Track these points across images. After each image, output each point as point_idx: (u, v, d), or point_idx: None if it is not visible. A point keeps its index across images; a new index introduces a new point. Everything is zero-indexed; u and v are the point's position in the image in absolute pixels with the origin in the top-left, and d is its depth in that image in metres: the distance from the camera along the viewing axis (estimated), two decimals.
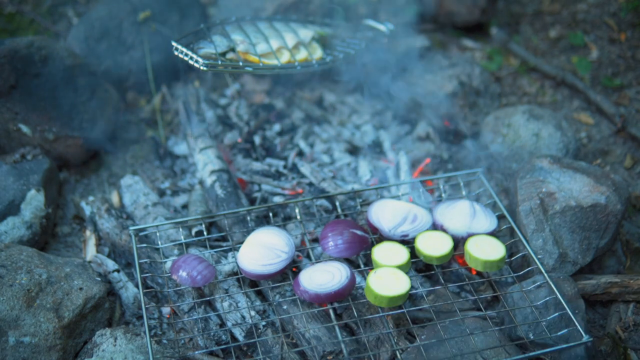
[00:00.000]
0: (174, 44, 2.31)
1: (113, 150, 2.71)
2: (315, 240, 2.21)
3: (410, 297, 2.05)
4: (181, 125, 2.74)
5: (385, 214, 2.14)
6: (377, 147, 2.73)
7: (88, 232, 2.33)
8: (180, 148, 2.70)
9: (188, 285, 1.94)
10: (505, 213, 2.17)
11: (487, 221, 2.14)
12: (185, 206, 2.45)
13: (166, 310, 2.06)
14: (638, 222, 2.46)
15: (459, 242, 2.13)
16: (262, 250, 2.01)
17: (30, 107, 2.45)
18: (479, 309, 2.03)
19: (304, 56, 2.45)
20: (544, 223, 2.13)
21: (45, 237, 2.32)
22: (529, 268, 2.05)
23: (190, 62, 2.27)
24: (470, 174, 2.37)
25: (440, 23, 3.47)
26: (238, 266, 2.03)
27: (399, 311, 1.93)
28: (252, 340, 1.89)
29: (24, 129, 2.46)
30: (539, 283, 1.99)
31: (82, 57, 2.68)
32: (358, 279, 2.04)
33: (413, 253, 2.05)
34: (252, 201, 2.41)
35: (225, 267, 2.09)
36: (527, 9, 3.51)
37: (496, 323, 2.04)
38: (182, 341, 1.98)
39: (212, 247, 2.17)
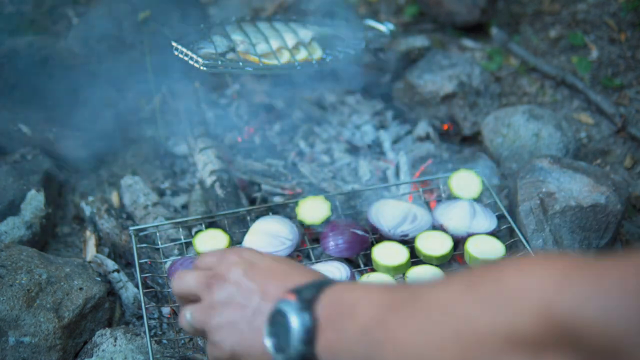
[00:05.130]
0: (173, 44, 2.31)
1: (113, 150, 2.71)
2: (316, 241, 2.21)
3: None
4: (181, 125, 2.74)
5: (385, 214, 2.15)
6: (377, 147, 2.73)
7: (88, 232, 2.33)
8: (180, 148, 2.70)
9: None
10: (505, 213, 2.17)
11: (487, 221, 2.14)
12: (185, 206, 2.45)
13: (166, 310, 2.06)
14: (638, 222, 2.46)
15: (459, 242, 2.13)
16: (267, 238, 2.03)
17: (30, 107, 2.45)
18: None
19: (304, 56, 2.45)
20: (544, 223, 2.13)
21: (45, 237, 2.32)
22: None
23: (190, 62, 2.27)
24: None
25: (440, 23, 3.47)
26: None
27: None
28: None
29: (24, 129, 2.46)
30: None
31: (82, 57, 2.67)
32: (358, 278, 2.04)
33: (413, 253, 2.05)
34: (252, 201, 2.41)
35: None
36: (527, 9, 3.50)
37: None
38: (182, 341, 1.98)
39: None
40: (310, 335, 1.10)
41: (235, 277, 1.26)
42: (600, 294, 0.82)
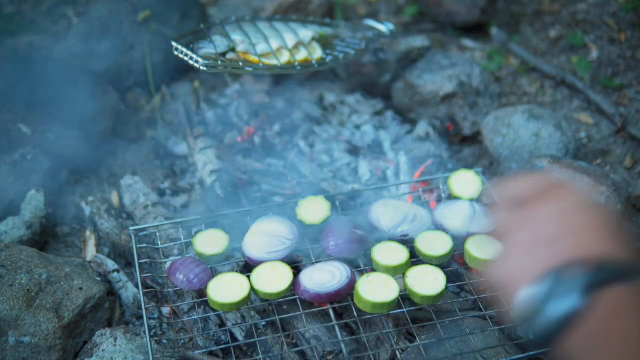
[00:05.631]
0: (173, 44, 2.31)
1: (113, 150, 2.71)
2: (316, 241, 2.21)
3: (410, 297, 2.05)
4: (181, 125, 2.74)
5: (385, 214, 2.14)
6: (377, 147, 2.73)
7: (88, 232, 2.33)
8: (180, 148, 2.70)
9: (185, 288, 1.94)
10: None
11: (487, 221, 2.14)
12: (185, 206, 2.45)
13: (166, 310, 2.06)
14: (638, 222, 2.46)
15: (459, 242, 2.12)
16: (267, 238, 2.03)
17: (30, 107, 2.45)
18: (479, 309, 2.04)
19: (304, 56, 2.45)
20: None
21: (45, 237, 2.32)
22: None
23: (190, 62, 2.27)
24: None
25: (440, 23, 3.47)
26: (243, 255, 2.04)
27: (399, 311, 1.93)
28: (252, 340, 1.89)
29: (24, 129, 2.46)
30: None
31: (82, 57, 2.67)
32: (357, 278, 2.04)
33: (413, 253, 2.05)
34: (252, 201, 2.41)
35: (225, 267, 2.09)
36: (527, 9, 3.50)
37: (496, 323, 2.04)
38: (182, 341, 1.98)
39: None
40: (573, 315, 1.03)
41: (549, 215, 1.19)
42: None
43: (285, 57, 2.41)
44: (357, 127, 2.82)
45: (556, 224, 1.18)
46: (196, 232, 2.16)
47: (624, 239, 1.15)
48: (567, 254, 1.11)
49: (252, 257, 2.01)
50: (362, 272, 2.06)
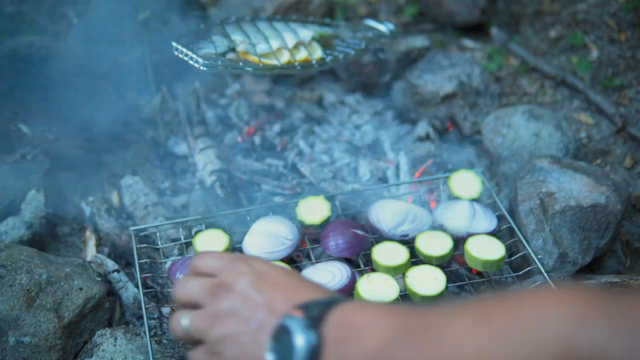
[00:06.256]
0: (173, 44, 2.31)
1: (113, 150, 2.71)
2: (316, 241, 2.21)
3: (410, 297, 2.05)
4: (181, 125, 2.74)
5: (385, 214, 2.15)
6: (377, 147, 2.73)
7: (88, 232, 2.33)
8: (180, 148, 2.70)
9: None
10: (505, 213, 2.17)
11: (487, 221, 2.14)
12: (185, 206, 2.45)
13: (166, 310, 2.06)
14: (638, 222, 2.46)
15: (459, 242, 2.13)
16: (267, 238, 2.03)
17: (30, 107, 2.45)
18: None
19: (304, 56, 2.45)
20: (544, 223, 2.13)
21: (45, 237, 2.32)
22: (529, 268, 2.05)
23: (190, 62, 2.27)
24: None
25: (440, 23, 3.47)
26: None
27: None
28: None
29: (24, 129, 2.46)
30: (538, 283, 1.99)
31: (82, 57, 2.67)
32: (357, 278, 2.04)
33: (413, 253, 2.05)
34: (252, 201, 2.41)
35: None
36: (527, 9, 3.51)
37: None
38: (182, 341, 1.98)
39: None
40: (314, 355, 1.04)
41: (242, 287, 1.20)
42: (625, 334, 0.78)
43: (285, 57, 2.41)
44: (357, 127, 2.82)
45: (251, 293, 1.21)
46: (196, 232, 2.16)
47: (311, 284, 1.23)
48: (276, 314, 1.15)
49: None
50: (362, 272, 2.06)
